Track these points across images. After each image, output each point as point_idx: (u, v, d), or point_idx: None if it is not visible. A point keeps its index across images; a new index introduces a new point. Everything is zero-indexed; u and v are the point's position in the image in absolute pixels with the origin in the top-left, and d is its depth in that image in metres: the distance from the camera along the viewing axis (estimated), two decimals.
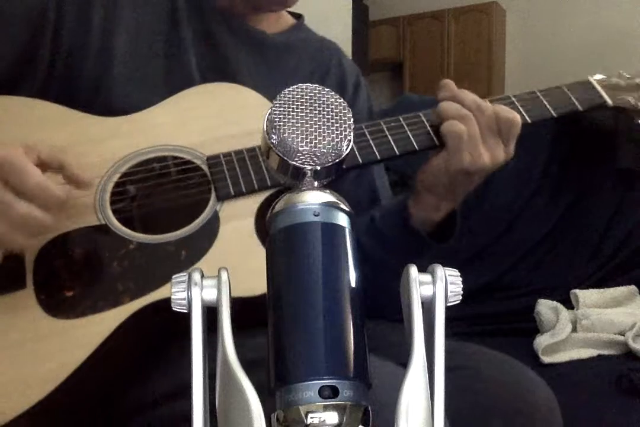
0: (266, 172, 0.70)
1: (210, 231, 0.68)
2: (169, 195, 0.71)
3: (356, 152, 0.73)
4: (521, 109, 0.77)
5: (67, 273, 0.66)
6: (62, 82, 0.75)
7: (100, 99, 0.74)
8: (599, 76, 0.86)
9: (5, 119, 0.72)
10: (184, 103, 0.75)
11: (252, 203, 0.70)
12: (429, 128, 0.75)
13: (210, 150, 0.72)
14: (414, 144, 0.74)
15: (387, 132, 0.74)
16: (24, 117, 0.72)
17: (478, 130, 0.71)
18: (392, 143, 0.74)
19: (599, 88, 0.84)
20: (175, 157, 0.72)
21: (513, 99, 0.78)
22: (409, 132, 0.75)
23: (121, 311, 0.63)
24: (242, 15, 0.84)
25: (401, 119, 0.76)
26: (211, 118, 0.74)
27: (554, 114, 0.79)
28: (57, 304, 0.64)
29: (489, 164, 0.71)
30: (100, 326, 0.63)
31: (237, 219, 0.69)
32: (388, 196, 0.92)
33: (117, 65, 0.75)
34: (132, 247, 0.67)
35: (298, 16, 0.94)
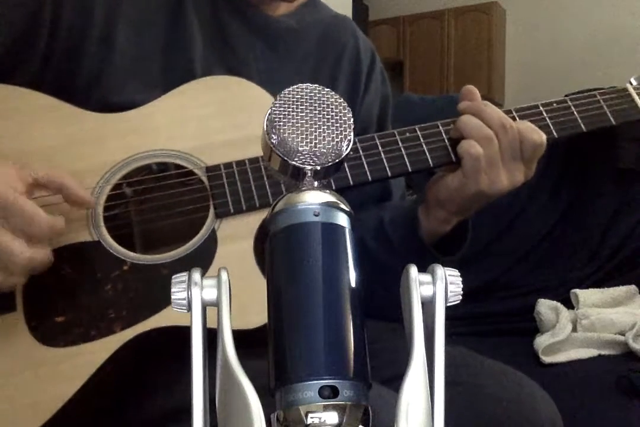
0: (269, 188, 0.66)
1: (207, 253, 0.64)
2: (166, 209, 0.67)
3: (366, 169, 0.68)
4: (549, 122, 0.71)
5: (58, 295, 0.63)
6: (58, 72, 0.71)
7: (97, 92, 0.71)
8: (635, 81, 0.78)
9: None
10: (186, 99, 0.71)
11: (252, 222, 0.65)
12: (446, 142, 0.69)
13: (211, 157, 0.68)
14: (429, 160, 0.69)
15: (400, 145, 0.69)
16: (16, 109, 0.68)
17: (498, 153, 0.66)
18: (406, 158, 0.69)
19: (637, 99, 0.76)
20: (175, 165, 0.68)
21: (541, 109, 0.72)
22: (424, 146, 0.69)
23: (112, 341, 0.61)
24: (256, 2, 0.80)
25: (417, 129, 0.70)
26: (213, 119, 0.70)
27: (584, 129, 0.72)
28: (47, 330, 0.62)
29: (508, 186, 0.67)
30: (90, 357, 0.61)
31: (236, 241, 0.65)
32: (401, 189, 0.89)
33: (117, 58, 0.72)
34: (126, 269, 0.64)
35: None
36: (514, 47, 4.91)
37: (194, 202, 0.67)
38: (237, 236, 0.65)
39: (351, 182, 0.68)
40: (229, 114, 0.70)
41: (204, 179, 0.67)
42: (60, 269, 0.63)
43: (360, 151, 0.68)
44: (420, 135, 0.70)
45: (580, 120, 0.73)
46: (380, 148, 0.69)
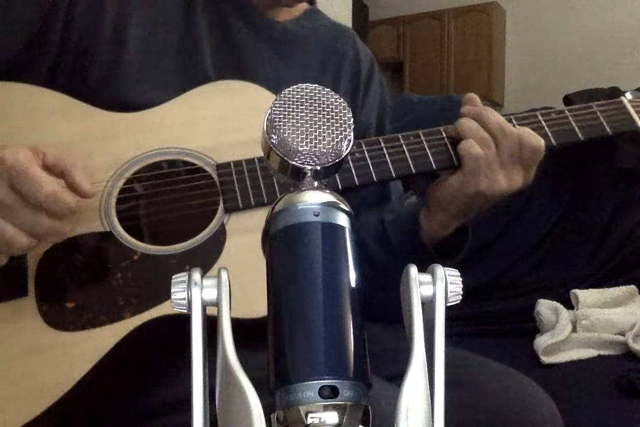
0: (277, 185, 0.68)
1: (216, 245, 0.66)
2: (176, 203, 0.69)
3: (371, 169, 0.71)
4: (548, 131, 0.74)
5: (69, 282, 0.65)
6: (70, 73, 0.72)
7: (109, 92, 0.72)
8: (629, 95, 0.82)
9: (9, 108, 0.69)
10: (196, 102, 0.73)
11: (261, 217, 0.66)
12: (449, 146, 0.72)
13: (221, 155, 0.70)
14: (432, 163, 0.71)
15: (405, 148, 0.72)
16: (29, 107, 0.70)
17: (496, 155, 0.68)
18: (410, 160, 0.71)
19: (632, 112, 0.79)
20: (185, 162, 0.70)
21: (540, 118, 0.75)
22: (427, 150, 0.72)
23: (121, 327, 0.62)
24: (260, 7, 0.81)
25: (421, 134, 0.73)
26: (223, 121, 0.72)
27: (581, 138, 0.76)
28: (58, 315, 0.63)
29: (507, 189, 0.69)
30: (99, 341, 0.62)
31: (244, 234, 0.67)
32: (399, 192, 0.91)
33: (129, 58, 0.73)
34: (136, 258, 0.65)
35: (310, 1, 0.90)
36: (514, 47, 4.91)
37: (204, 197, 0.69)
38: (245, 229, 0.67)
39: (357, 182, 0.70)
40: (239, 116, 0.72)
41: (214, 175, 0.69)
42: (72, 257, 0.66)
43: (366, 153, 0.72)
44: (423, 140, 0.73)
45: (577, 130, 0.76)
46: (385, 150, 0.72)
